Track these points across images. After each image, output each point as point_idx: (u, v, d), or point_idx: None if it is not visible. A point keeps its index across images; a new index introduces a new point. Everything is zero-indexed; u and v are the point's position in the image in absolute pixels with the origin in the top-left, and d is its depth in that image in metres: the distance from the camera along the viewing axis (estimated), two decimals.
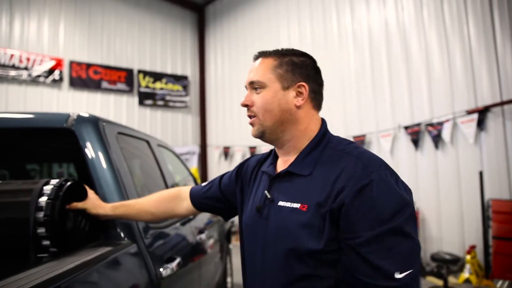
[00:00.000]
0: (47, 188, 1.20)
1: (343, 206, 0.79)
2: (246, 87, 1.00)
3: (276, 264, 0.88)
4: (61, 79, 6.68)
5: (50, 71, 6.54)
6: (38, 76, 6.40)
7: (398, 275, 0.74)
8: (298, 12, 6.64)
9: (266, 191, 0.96)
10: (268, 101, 0.94)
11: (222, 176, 1.24)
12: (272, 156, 1.05)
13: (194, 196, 1.27)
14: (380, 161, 0.85)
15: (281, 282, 0.87)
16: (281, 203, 0.90)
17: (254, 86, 0.97)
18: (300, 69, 0.95)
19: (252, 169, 1.11)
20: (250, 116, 0.98)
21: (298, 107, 0.94)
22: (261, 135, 0.97)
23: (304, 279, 0.84)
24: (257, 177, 1.07)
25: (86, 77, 7.04)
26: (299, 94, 0.95)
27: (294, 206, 0.87)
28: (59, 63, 6.67)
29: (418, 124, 4.76)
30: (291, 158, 0.96)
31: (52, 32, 6.69)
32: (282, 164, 0.99)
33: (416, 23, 4.90)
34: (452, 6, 4.54)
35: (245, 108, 0.99)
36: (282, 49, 0.98)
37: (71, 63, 6.86)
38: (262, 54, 0.99)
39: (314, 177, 0.88)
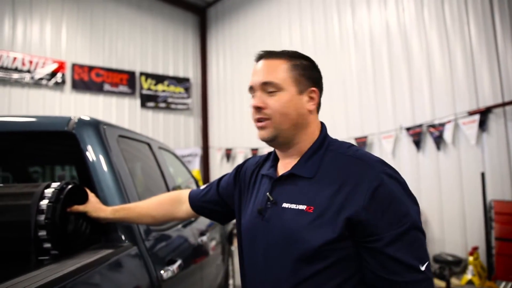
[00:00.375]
0: (48, 191, 1.21)
1: (360, 212, 0.79)
2: (251, 87, 0.96)
3: (282, 268, 0.87)
4: (63, 81, 6.72)
5: (53, 74, 6.58)
6: (41, 79, 6.43)
7: (422, 267, 0.78)
8: (300, 14, 6.65)
9: (268, 194, 0.95)
10: (286, 104, 0.91)
11: (220, 179, 1.23)
12: (272, 159, 1.04)
13: (193, 200, 1.27)
14: (381, 160, 0.87)
15: (286, 285, 0.86)
16: (285, 205, 0.90)
17: (267, 87, 0.93)
18: (311, 72, 0.96)
19: (251, 172, 1.10)
20: (260, 119, 0.94)
21: (310, 112, 0.95)
22: (273, 139, 0.94)
23: (311, 279, 0.83)
24: (257, 180, 1.06)
25: (88, 80, 7.06)
26: (311, 99, 0.95)
27: (300, 208, 0.87)
28: (61, 66, 6.71)
29: (420, 125, 4.75)
30: (293, 161, 0.96)
31: (55, 35, 6.73)
32: (283, 167, 0.99)
33: (417, 24, 4.90)
34: (453, 6, 4.54)
35: (248, 110, 0.97)
36: (288, 51, 0.97)
37: (73, 65, 6.89)
38: (269, 55, 0.96)
39: (318, 180, 0.89)
